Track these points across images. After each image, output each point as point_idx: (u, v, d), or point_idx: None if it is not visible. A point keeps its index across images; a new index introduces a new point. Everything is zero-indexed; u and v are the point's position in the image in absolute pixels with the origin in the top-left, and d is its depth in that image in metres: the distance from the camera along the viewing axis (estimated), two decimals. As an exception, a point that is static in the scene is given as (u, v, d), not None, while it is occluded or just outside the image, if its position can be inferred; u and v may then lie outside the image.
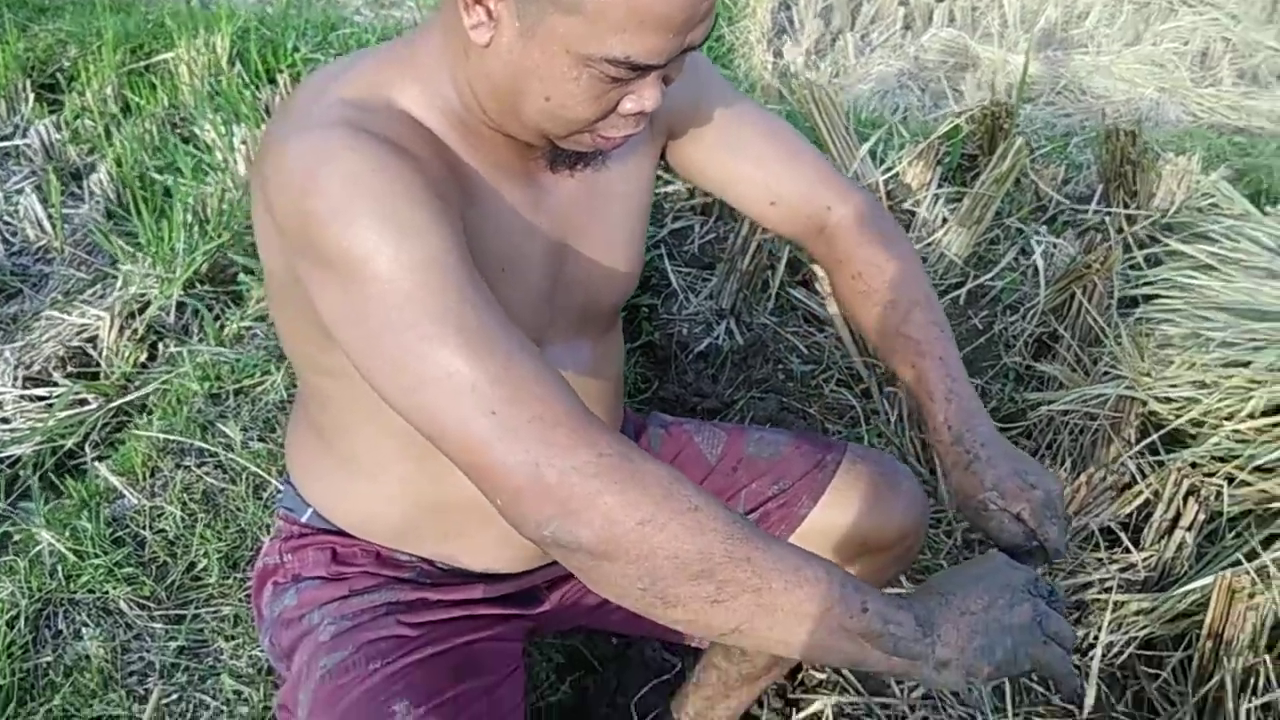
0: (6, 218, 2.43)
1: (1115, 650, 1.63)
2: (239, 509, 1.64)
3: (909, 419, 2.03)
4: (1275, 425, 1.77)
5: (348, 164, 0.84)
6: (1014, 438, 2.07)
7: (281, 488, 1.39)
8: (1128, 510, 1.78)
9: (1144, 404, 1.86)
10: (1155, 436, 1.83)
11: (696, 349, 2.23)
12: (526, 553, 1.17)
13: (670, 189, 2.61)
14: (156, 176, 2.56)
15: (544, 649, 1.60)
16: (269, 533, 1.58)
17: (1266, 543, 1.65)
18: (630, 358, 2.16)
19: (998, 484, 1.03)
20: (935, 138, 2.58)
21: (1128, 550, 1.73)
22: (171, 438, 1.72)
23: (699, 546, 0.77)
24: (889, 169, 2.61)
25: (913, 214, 2.56)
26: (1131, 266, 2.31)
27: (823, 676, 1.63)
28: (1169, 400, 1.85)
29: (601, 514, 0.77)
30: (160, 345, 2.03)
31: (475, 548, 1.16)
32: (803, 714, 1.57)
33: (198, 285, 2.17)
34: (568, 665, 1.63)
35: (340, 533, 1.17)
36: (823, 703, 1.56)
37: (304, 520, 1.18)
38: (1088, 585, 1.72)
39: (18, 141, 2.71)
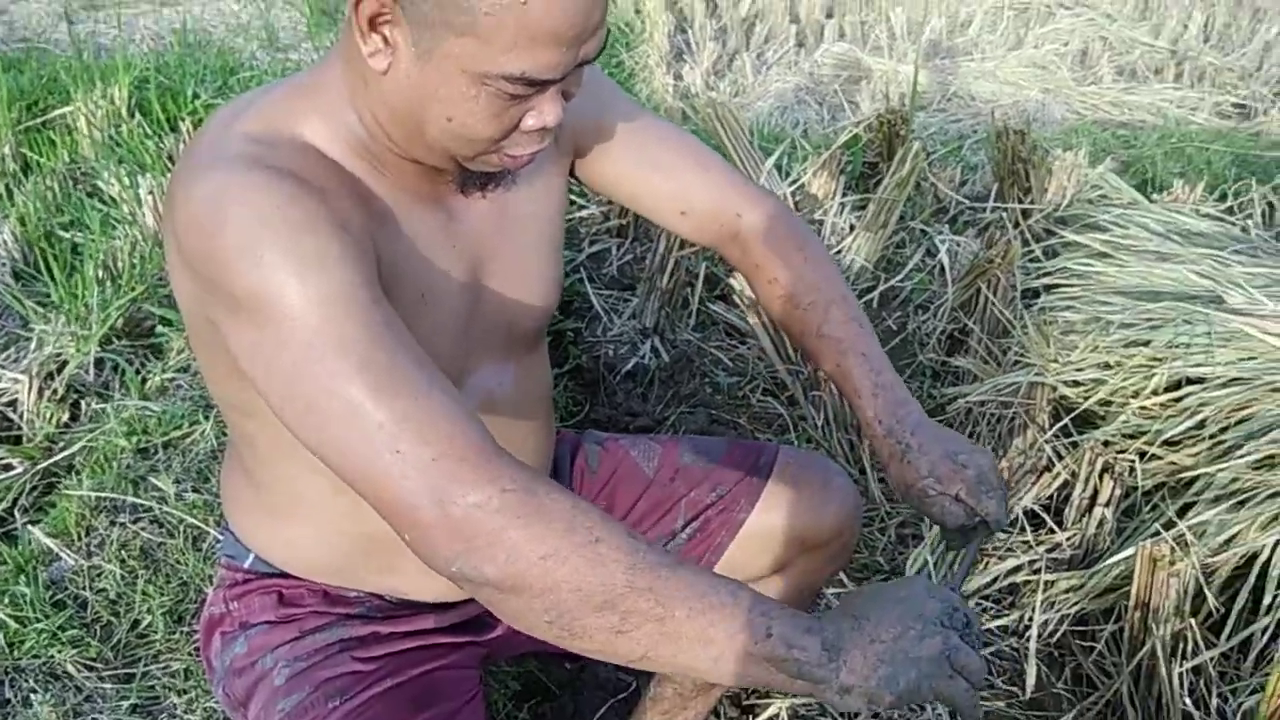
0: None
1: (1050, 629, 1.70)
2: (179, 562, 1.62)
3: (835, 421, 2.09)
4: (1178, 400, 1.86)
5: (253, 201, 0.84)
6: (935, 431, 2.15)
7: (221, 536, 1.38)
8: (1049, 492, 1.85)
9: (1054, 389, 1.94)
10: (1067, 419, 1.91)
11: (624, 369, 2.26)
12: None
13: (585, 213, 2.65)
14: (63, 234, 2.51)
15: (499, 677, 1.61)
16: (212, 583, 1.57)
17: (1181, 512, 1.73)
18: (559, 381, 2.18)
19: (933, 469, 1.06)
20: (836, 148, 2.66)
21: (1052, 531, 1.80)
22: (104, 495, 1.70)
23: (600, 579, 0.77)
24: (794, 181, 2.69)
25: (820, 222, 2.64)
26: (1031, 259, 2.42)
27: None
28: (1077, 384, 1.94)
29: (505, 550, 0.77)
30: (82, 403, 1.99)
31: (419, 579, 1.14)
32: (760, 718, 1.60)
33: (115, 340, 2.13)
34: (524, 692, 1.64)
35: (284, 574, 1.16)
36: (778, 706, 1.60)
37: (246, 566, 1.17)
38: (1017, 568, 1.78)
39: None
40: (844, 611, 0.82)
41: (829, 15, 5.08)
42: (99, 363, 2.08)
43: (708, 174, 1.21)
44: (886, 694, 0.78)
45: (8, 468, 1.82)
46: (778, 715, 1.59)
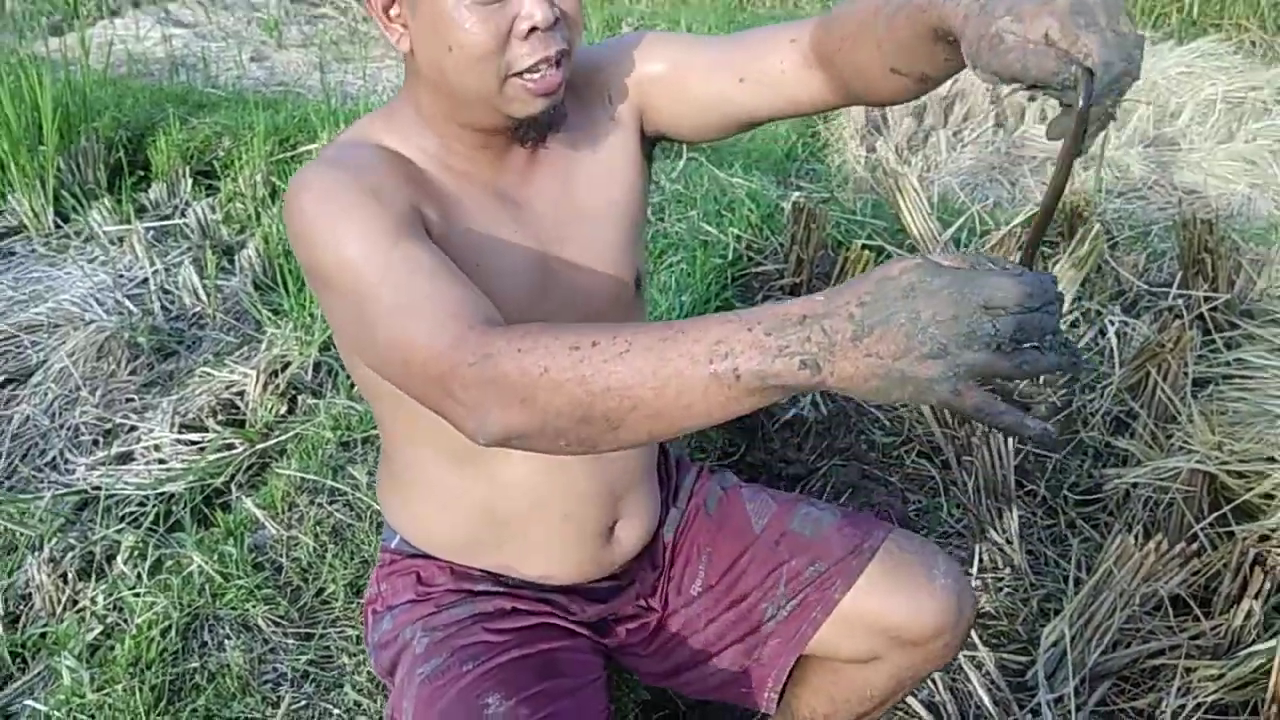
0: (167, 287, 2.68)
1: (1185, 714, 1.66)
2: (363, 542, 1.80)
3: (986, 487, 2.10)
4: (1345, 501, 1.80)
5: (317, 187, 0.98)
6: (1092, 512, 2.12)
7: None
8: (1199, 580, 1.81)
9: (1215, 478, 1.90)
10: (1226, 509, 1.87)
11: (783, 418, 2.33)
12: (578, 567, 1.24)
13: (761, 269, 2.75)
14: (297, 252, 2.80)
15: (631, 684, 1.70)
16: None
17: (1333, 613, 1.68)
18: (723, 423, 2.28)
19: (1012, 7, 0.77)
20: (1015, 224, 2.67)
21: (1197, 619, 1.76)
22: (307, 477, 1.90)
23: (567, 400, 0.79)
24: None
25: (995, 297, 2.65)
26: (1209, 349, 2.36)
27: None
28: (1239, 475, 1.89)
29: (494, 410, 0.82)
30: (299, 399, 2.23)
31: (529, 556, 1.23)
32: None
33: (331, 347, 2.38)
34: (653, 704, 1.72)
35: (422, 555, 1.26)
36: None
37: (393, 547, 1.29)
38: (1159, 651, 1.75)
39: (178, 221, 2.99)
40: (847, 301, 0.69)
41: (1031, 98, 5.04)
42: (316, 365, 2.33)
43: (746, 39, 1.15)
44: (876, 399, 0.69)
45: (231, 447, 2.07)
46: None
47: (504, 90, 1.01)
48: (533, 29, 0.97)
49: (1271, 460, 1.86)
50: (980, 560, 1.97)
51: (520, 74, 1.00)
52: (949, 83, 5.10)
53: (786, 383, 0.71)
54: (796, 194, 3.34)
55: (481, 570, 1.25)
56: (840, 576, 1.23)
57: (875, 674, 1.27)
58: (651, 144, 1.24)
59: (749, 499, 1.35)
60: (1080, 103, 0.73)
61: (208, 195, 3.16)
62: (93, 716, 1.47)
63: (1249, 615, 1.68)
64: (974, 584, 1.93)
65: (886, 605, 1.22)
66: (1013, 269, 0.67)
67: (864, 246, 2.51)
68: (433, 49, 1.00)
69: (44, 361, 2.34)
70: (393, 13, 1.01)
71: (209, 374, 2.29)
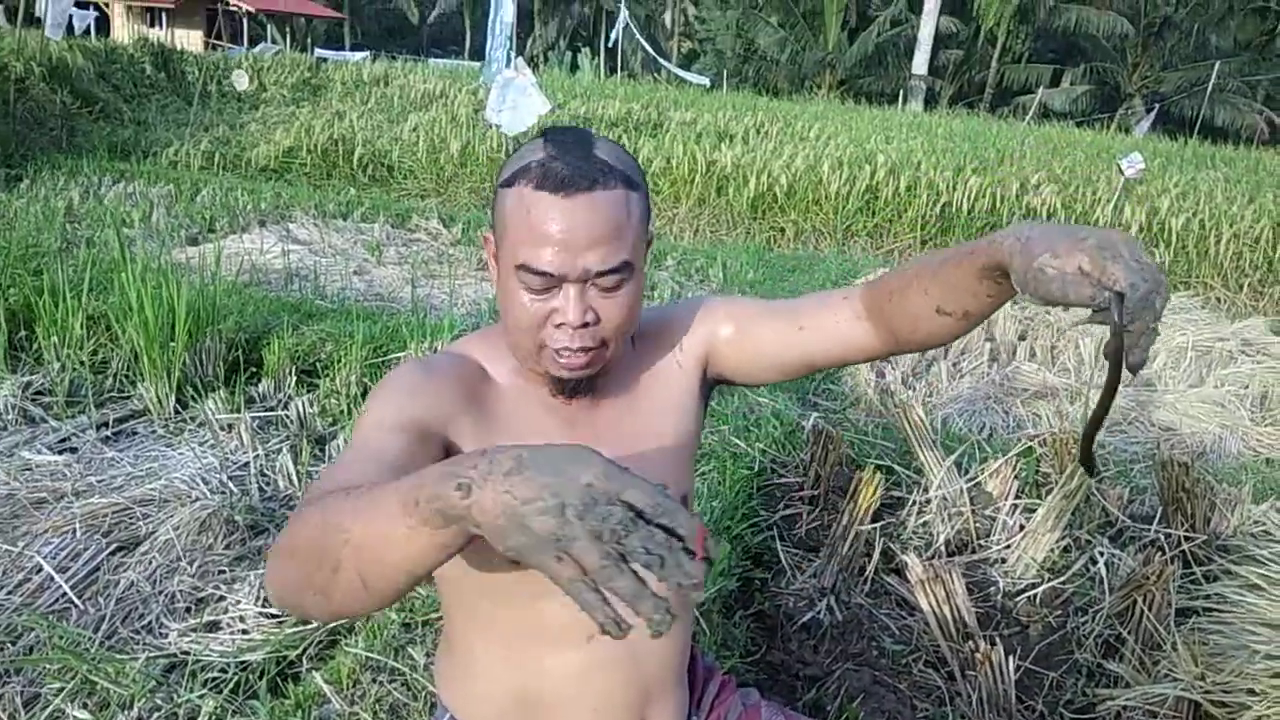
0: (265, 470, 2.74)
1: None
2: (437, 712, 1.76)
3: (988, 701, 2.03)
4: (1326, 737, 1.72)
5: (391, 375, 1.08)
6: (1086, 729, 2.04)
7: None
8: (1190, 805, 1.72)
9: (1199, 705, 1.83)
10: (1213, 736, 1.79)
11: (801, 620, 2.29)
12: None
13: (782, 480, 2.76)
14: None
15: None
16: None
17: None
18: (743, 624, 2.24)
19: (1050, 246, 0.86)
20: (1012, 455, 2.68)
21: (1191, 844, 1.66)
22: (371, 655, 1.88)
23: (306, 541, 0.77)
24: (972, 478, 2.71)
25: (993, 519, 2.63)
26: (1190, 581, 2.31)
27: None
28: (1223, 704, 1.82)
29: (269, 570, 0.82)
30: (369, 581, 2.23)
31: None
32: None
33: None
34: None
35: None
36: None
37: None
38: None
39: (280, 412, 3.08)
40: (516, 452, 0.68)
41: (1021, 338, 5.13)
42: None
43: (802, 302, 1.20)
44: (500, 533, 0.67)
45: (306, 623, 2.05)
46: None
47: (541, 354, 1.06)
48: (563, 324, 1.03)
49: (1251, 693, 1.79)
50: (982, 772, 1.88)
51: (548, 344, 1.05)
52: (949, 321, 5.22)
53: (445, 506, 0.68)
54: (815, 414, 3.38)
55: None
56: None
57: None
58: (711, 386, 1.27)
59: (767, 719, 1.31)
60: (1117, 319, 0.80)
61: (308, 391, 3.25)
62: None
63: (1239, 846, 1.59)
64: (977, 795, 1.84)
65: None
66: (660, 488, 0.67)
67: (875, 467, 2.52)
68: (501, 302, 1.08)
69: (152, 533, 2.37)
70: (496, 258, 1.09)
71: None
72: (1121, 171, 7.57)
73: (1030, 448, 2.81)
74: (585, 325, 1.03)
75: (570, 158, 1.01)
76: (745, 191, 7.91)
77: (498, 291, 1.08)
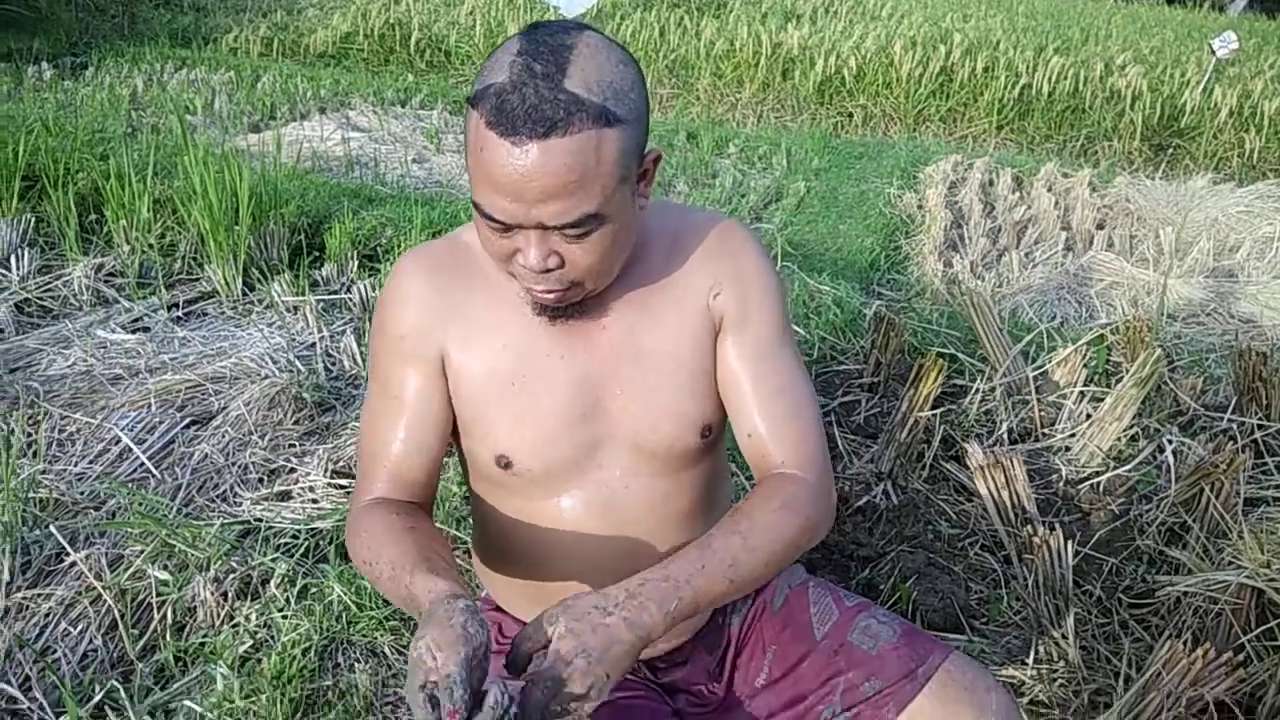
0: (330, 351, 2.80)
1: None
2: (477, 586, 1.82)
3: (1044, 584, 2.03)
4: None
5: (396, 275, 1.11)
6: (1144, 615, 2.04)
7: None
8: (1243, 688, 1.72)
9: (1262, 593, 1.81)
10: (1274, 624, 1.77)
11: (856, 504, 2.31)
12: None
13: (842, 367, 2.74)
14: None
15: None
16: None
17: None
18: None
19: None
20: (1082, 343, 2.62)
21: (1243, 726, 1.67)
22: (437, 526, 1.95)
23: (380, 583, 1.00)
24: (1039, 368, 2.66)
25: (1059, 407, 2.59)
26: (1261, 471, 2.26)
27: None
28: (1289, 592, 1.80)
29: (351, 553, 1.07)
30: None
31: None
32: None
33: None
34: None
35: (500, 608, 1.28)
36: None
37: (484, 596, 1.32)
38: (1204, 755, 1.66)
39: (344, 296, 3.13)
40: (430, 619, 0.87)
41: (1099, 226, 4.96)
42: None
43: (794, 422, 1.13)
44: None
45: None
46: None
47: (516, 279, 1.03)
48: (526, 266, 0.97)
49: (1320, 581, 1.77)
50: (1036, 651, 1.90)
51: (521, 281, 1.01)
52: (1021, 207, 5.05)
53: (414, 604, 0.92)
54: (878, 302, 3.33)
55: None
56: (893, 699, 1.15)
57: None
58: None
59: (814, 601, 1.28)
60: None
61: (369, 275, 3.29)
62: (240, 721, 1.51)
63: (1294, 727, 1.59)
64: (1029, 673, 1.86)
65: None
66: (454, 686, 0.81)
67: (938, 354, 2.49)
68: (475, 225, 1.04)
69: (224, 408, 2.46)
70: None
71: (359, 427, 2.37)
72: (1213, 51, 7.12)
73: (1102, 336, 2.74)
74: (548, 271, 0.97)
75: (532, 88, 0.89)
76: (812, 75, 7.64)
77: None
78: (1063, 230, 4.80)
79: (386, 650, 1.67)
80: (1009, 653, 1.94)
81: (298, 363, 2.69)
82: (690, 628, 1.26)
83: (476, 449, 1.13)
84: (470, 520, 1.30)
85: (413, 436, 1.10)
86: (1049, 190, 5.40)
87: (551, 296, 1.01)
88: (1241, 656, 1.72)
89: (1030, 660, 1.88)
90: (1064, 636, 1.95)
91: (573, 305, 1.05)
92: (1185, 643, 1.80)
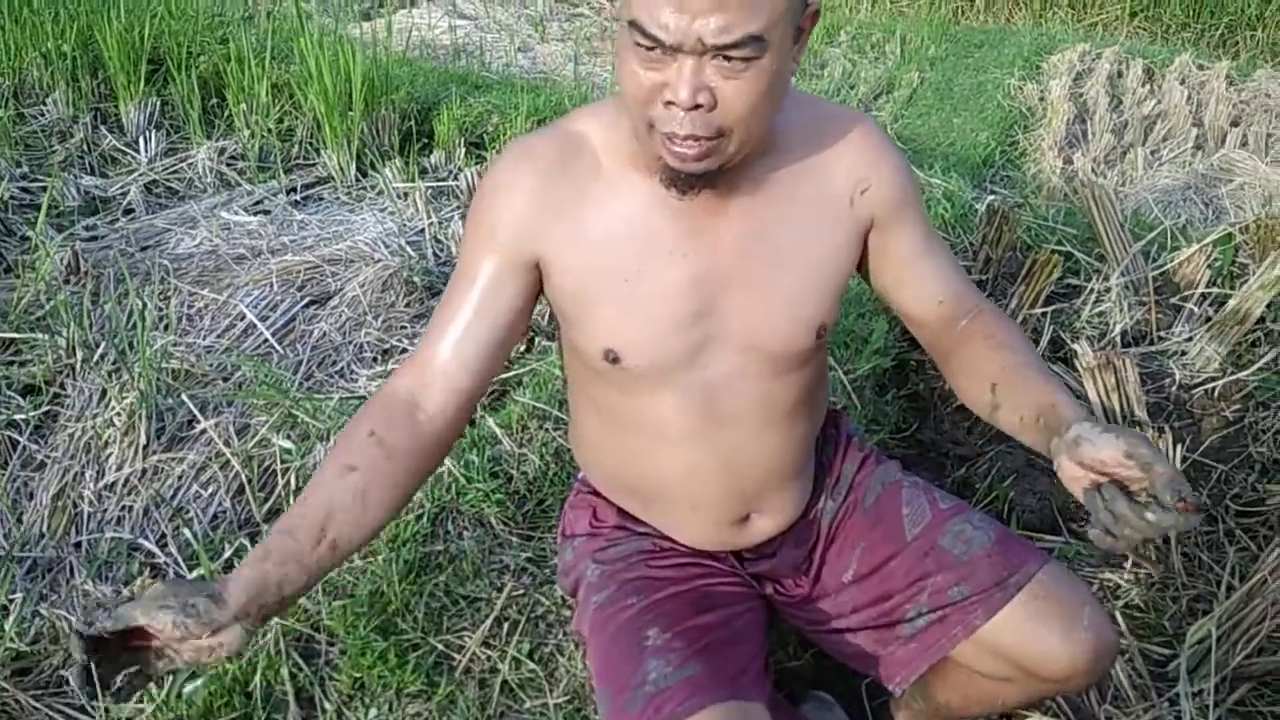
0: (439, 237, 2.85)
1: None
2: (577, 466, 1.87)
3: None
4: None
5: (496, 170, 1.07)
6: (1252, 524, 1.97)
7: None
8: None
9: (1387, 506, 1.72)
10: (1396, 538, 1.69)
11: (955, 403, 2.26)
12: (712, 542, 1.22)
13: (952, 266, 2.65)
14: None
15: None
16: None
17: None
18: (896, 402, 2.23)
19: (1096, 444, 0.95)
20: (1207, 242, 2.47)
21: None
22: (538, 405, 1.99)
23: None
24: (1160, 268, 2.53)
25: (1178, 309, 2.47)
26: (1397, 382, 2.12)
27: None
28: None
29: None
30: (535, 340, 2.33)
31: (671, 526, 1.22)
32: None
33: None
34: (811, 640, 1.72)
35: (596, 492, 1.29)
36: None
37: (581, 477, 1.33)
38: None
39: (452, 183, 3.16)
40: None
41: (1234, 123, 4.61)
42: (550, 315, 2.43)
43: (969, 285, 1.19)
44: None
45: (479, 374, 2.19)
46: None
47: (651, 134, 0.94)
48: (671, 102, 0.90)
49: None
50: (1134, 556, 1.86)
51: (660, 128, 0.93)
52: (1151, 101, 4.73)
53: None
54: (991, 197, 3.19)
55: (643, 522, 1.26)
56: (982, 605, 1.14)
57: (1008, 690, 1.20)
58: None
59: (907, 501, 1.25)
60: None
61: (477, 163, 3.31)
62: (357, 579, 1.60)
63: None
64: (1126, 577, 1.83)
65: (1024, 644, 1.12)
66: None
67: (1053, 251, 2.37)
68: (618, 76, 0.96)
69: (340, 289, 2.54)
70: (615, 11, 1.02)
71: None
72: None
73: (1229, 235, 2.57)
74: (697, 107, 0.89)
75: None
76: (931, -42, 7.19)
77: (617, 65, 0.95)
78: (1194, 127, 4.48)
79: (493, 521, 1.74)
80: (1106, 557, 1.90)
81: (408, 248, 2.74)
82: (784, 521, 1.25)
83: (582, 343, 1.09)
84: (570, 410, 1.30)
85: (470, 327, 1.04)
86: (1182, 84, 5.02)
87: (693, 151, 0.92)
88: (1358, 569, 1.65)
89: (1128, 564, 1.84)
90: (1165, 541, 1.90)
91: (707, 178, 0.97)
92: (1295, 553, 1.74)
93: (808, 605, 1.30)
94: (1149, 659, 1.67)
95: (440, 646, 1.50)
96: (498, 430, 1.93)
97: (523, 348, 2.31)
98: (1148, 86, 5.07)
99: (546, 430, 1.94)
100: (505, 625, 1.55)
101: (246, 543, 1.71)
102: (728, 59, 0.87)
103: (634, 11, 0.87)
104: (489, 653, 1.51)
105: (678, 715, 1.01)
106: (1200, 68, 5.33)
